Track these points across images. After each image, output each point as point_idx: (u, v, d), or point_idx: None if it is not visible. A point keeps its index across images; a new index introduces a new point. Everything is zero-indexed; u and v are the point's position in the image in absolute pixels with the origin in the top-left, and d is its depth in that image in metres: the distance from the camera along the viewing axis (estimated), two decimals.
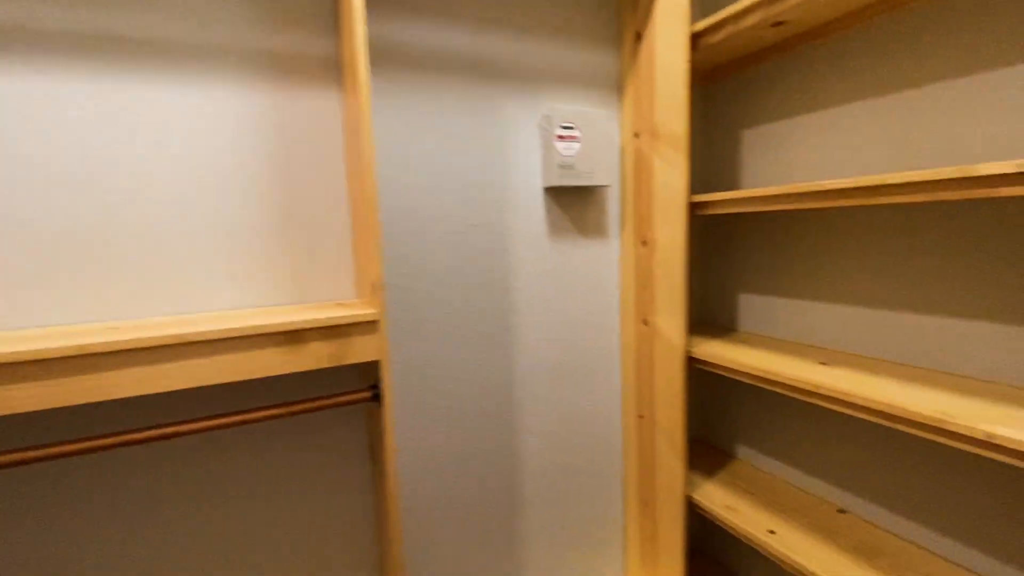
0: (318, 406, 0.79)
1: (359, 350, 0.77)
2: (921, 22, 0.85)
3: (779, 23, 0.97)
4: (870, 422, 0.99)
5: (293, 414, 0.78)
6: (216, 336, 0.68)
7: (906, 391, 0.78)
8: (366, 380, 0.92)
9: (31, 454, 0.63)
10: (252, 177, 0.87)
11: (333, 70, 0.92)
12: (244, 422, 0.74)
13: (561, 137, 1.10)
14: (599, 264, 1.25)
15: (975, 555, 0.84)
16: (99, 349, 0.61)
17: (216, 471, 0.89)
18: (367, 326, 0.77)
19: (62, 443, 0.65)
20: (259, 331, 0.71)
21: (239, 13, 0.84)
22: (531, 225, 1.15)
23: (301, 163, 0.91)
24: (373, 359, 0.78)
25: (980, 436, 0.62)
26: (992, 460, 0.79)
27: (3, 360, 0.57)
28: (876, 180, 0.74)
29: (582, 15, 1.15)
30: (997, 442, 0.60)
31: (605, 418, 1.30)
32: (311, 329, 0.74)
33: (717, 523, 1.11)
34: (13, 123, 0.72)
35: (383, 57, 0.96)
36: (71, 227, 0.77)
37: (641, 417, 1.27)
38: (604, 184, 1.16)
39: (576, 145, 1.12)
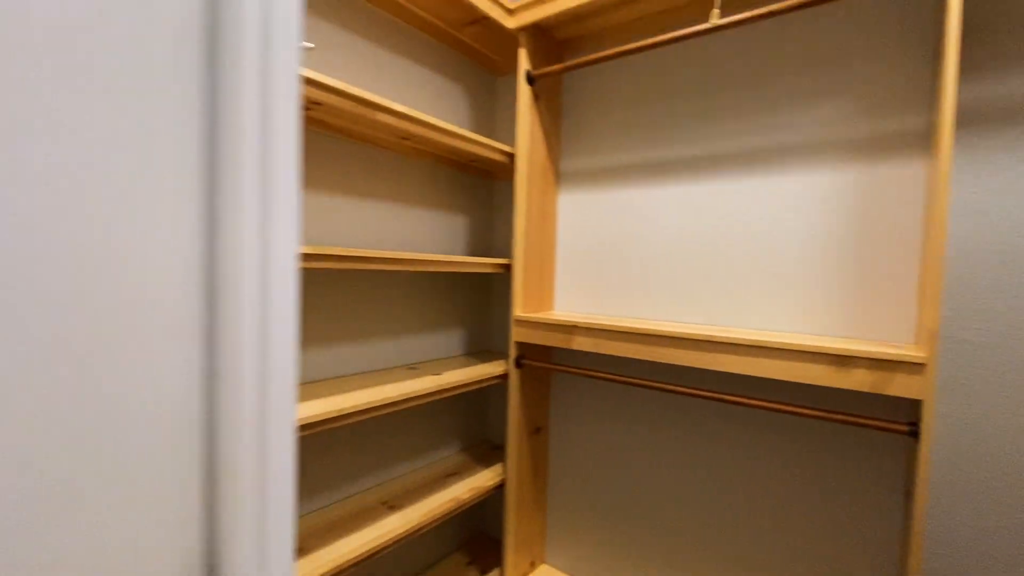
0: (856, 422, 0.96)
1: (901, 385, 0.88)
2: None
3: None
4: None
5: (835, 421, 0.99)
6: (793, 348, 1.00)
7: None
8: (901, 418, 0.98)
9: (681, 389, 1.17)
10: (828, 234, 1.13)
11: (920, 141, 1.02)
12: (796, 414, 1.02)
13: None
14: None
15: None
16: (719, 339, 1.06)
17: (768, 445, 1.22)
18: (913, 367, 0.87)
19: (696, 388, 1.16)
20: (819, 350, 0.96)
21: (835, 114, 1.11)
22: None
23: (874, 223, 1.08)
24: (915, 397, 0.87)
25: None
26: None
27: (672, 334, 1.11)
28: None
29: None
30: None
31: None
32: (859, 357, 0.92)
33: None
34: (684, 208, 1.31)
35: (976, 118, 0.97)
36: (696, 270, 1.29)
37: None
38: None
39: None
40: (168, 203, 0.35)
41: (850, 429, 1.13)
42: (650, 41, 1.16)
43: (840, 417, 0.98)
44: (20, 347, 0.30)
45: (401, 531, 1.15)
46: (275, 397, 0.42)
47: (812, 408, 1.02)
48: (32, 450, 0.31)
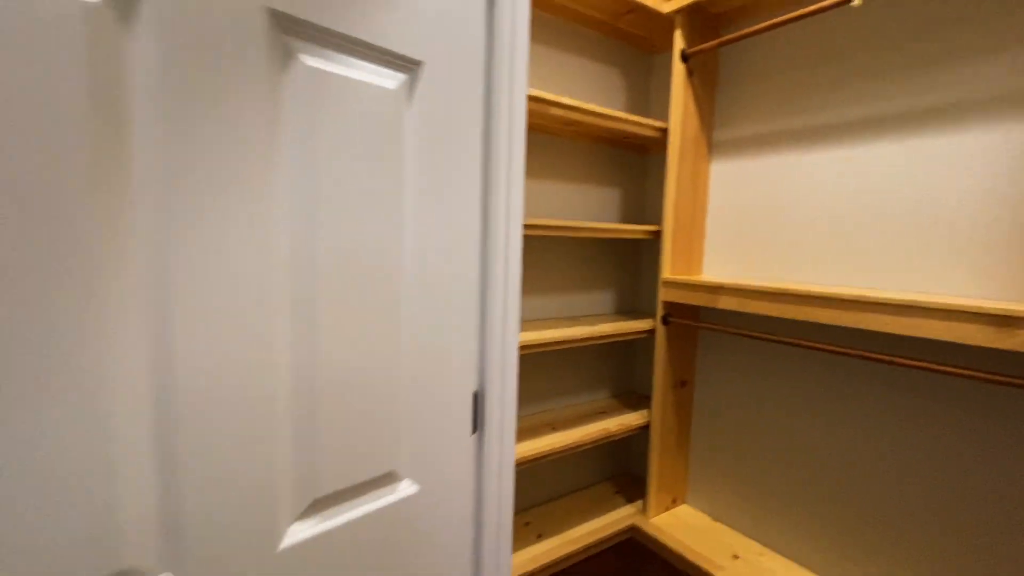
0: (1021, 383, 0.95)
1: None
2: None
3: None
4: None
5: (999, 383, 0.99)
6: (948, 307, 1.00)
7: None
8: None
9: (830, 348, 1.23)
10: (1012, 194, 1.06)
11: None
12: (952, 374, 1.03)
13: None
14: None
15: None
16: (868, 299, 1.10)
17: (918, 408, 1.22)
18: None
19: (850, 348, 1.21)
20: (978, 310, 0.96)
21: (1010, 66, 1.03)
22: None
23: None
24: None
25: None
26: None
27: (819, 294, 1.17)
28: None
29: None
30: None
31: None
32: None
33: None
34: (845, 172, 1.31)
35: None
36: (855, 234, 1.29)
37: None
38: None
39: None
40: (470, 205, 0.64)
41: (1012, 396, 1.07)
42: (812, 8, 1.19)
43: (1002, 379, 0.97)
44: (436, 295, 0.62)
45: (561, 444, 1.45)
46: (510, 318, 0.71)
47: (972, 369, 1.01)
48: (430, 324, 0.64)
